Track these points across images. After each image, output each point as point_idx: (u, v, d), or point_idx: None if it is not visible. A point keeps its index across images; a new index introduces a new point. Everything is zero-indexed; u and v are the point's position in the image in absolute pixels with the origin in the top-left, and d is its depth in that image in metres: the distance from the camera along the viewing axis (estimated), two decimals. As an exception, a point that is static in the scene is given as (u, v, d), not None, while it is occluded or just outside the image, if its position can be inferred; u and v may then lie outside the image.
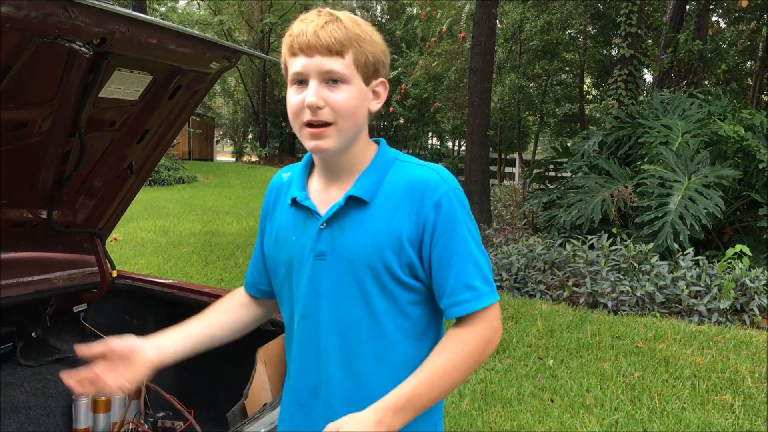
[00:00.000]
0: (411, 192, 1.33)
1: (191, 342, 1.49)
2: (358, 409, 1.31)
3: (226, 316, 1.59)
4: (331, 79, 1.28)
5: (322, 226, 1.36)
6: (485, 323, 1.34)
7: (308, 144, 1.32)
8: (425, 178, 1.35)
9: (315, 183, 1.44)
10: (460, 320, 1.35)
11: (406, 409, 1.26)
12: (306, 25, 1.28)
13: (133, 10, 1.98)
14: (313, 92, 1.27)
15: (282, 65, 1.36)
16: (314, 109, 1.28)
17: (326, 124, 1.29)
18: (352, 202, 1.35)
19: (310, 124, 1.30)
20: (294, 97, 1.31)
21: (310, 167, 1.48)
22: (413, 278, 1.35)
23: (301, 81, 1.30)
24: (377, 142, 1.44)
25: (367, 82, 1.33)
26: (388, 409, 1.24)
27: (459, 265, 1.33)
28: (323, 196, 1.40)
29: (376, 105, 1.38)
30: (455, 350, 1.31)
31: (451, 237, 1.33)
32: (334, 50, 1.27)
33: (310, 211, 1.39)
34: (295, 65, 1.29)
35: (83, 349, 1.36)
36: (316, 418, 1.40)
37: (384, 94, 1.39)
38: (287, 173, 1.52)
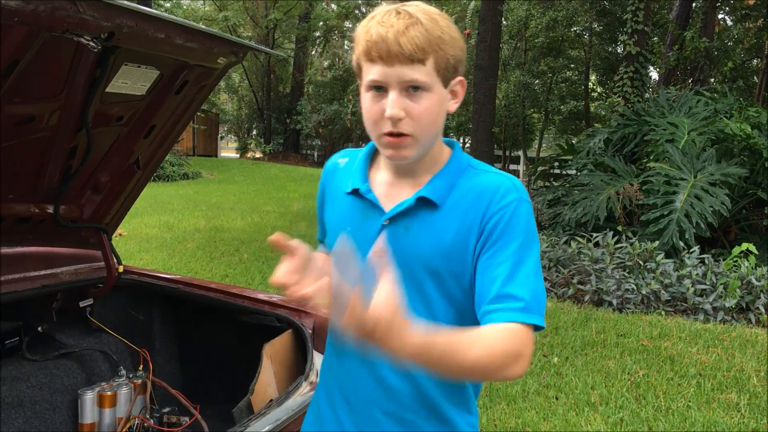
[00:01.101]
0: (480, 197, 1.27)
1: None
2: (411, 413, 1.28)
3: None
4: (412, 87, 1.22)
5: (385, 223, 1.31)
6: (522, 339, 1.18)
7: (386, 152, 1.28)
8: (497, 184, 1.29)
9: (380, 175, 1.38)
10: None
11: (418, 355, 1.07)
12: (385, 31, 1.20)
13: (138, 5, 1.97)
14: (394, 103, 1.22)
15: (354, 64, 1.30)
16: (395, 120, 1.23)
17: (407, 134, 1.24)
18: (422, 204, 1.30)
19: (389, 133, 1.24)
20: (372, 106, 1.25)
21: (373, 156, 1.42)
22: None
23: (379, 88, 1.24)
24: (450, 144, 1.39)
25: (446, 84, 1.27)
26: (411, 344, 1.05)
27: (512, 272, 1.22)
28: (389, 191, 1.35)
29: (454, 105, 1.32)
30: (490, 340, 1.16)
31: (507, 243, 1.24)
32: (416, 58, 1.20)
33: (372, 205, 1.34)
34: (372, 72, 1.23)
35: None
36: (363, 420, 1.34)
37: (462, 93, 1.32)
38: (344, 159, 1.47)
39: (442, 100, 1.27)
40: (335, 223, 1.40)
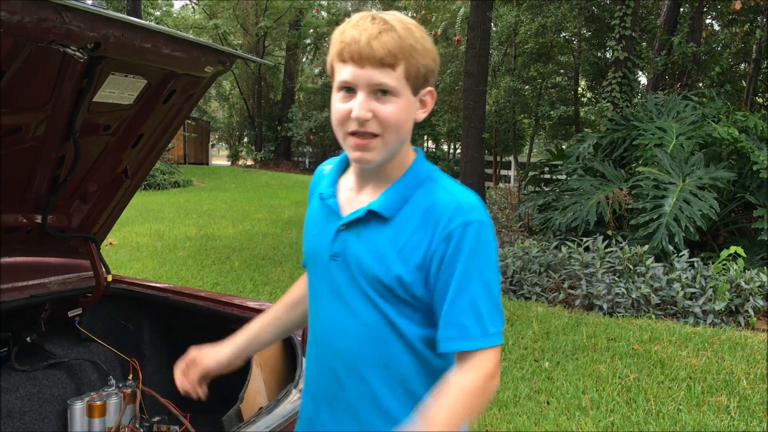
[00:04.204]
0: (429, 219, 1.30)
1: (270, 331, 1.65)
2: (362, 415, 1.34)
3: (300, 296, 1.62)
4: (380, 90, 1.25)
5: (341, 228, 1.36)
6: (476, 368, 1.27)
7: (352, 154, 1.31)
8: (444, 206, 1.30)
9: (347, 181, 1.43)
10: (455, 361, 1.32)
11: None
12: (359, 33, 1.24)
13: (127, 14, 1.99)
14: (361, 105, 1.25)
15: (328, 66, 1.33)
16: (362, 121, 1.25)
17: (372, 135, 1.27)
18: (372, 215, 1.33)
19: (355, 133, 1.28)
20: (340, 105, 1.28)
21: (347, 164, 1.46)
22: (416, 300, 1.32)
23: (349, 89, 1.27)
24: (415, 152, 1.41)
25: (416, 93, 1.30)
26: None
27: (453, 300, 1.28)
28: (351, 197, 1.40)
29: (423, 114, 1.35)
30: (452, 401, 1.26)
31: (453, 271, 1.27)
32: (387, 63, 1.23)
33: (332, 211, 1.40)
34: (343, 73, 1.26)
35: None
36: (326, 419, 1.41)
37: (431, 103, 1.36)
38: (329, 165, 1.52)
39: (410, 107, 1.30)
40: (308, 224, 1.48)
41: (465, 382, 1.26)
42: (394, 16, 1.28)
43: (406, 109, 1.29)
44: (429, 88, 1.34)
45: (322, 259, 1.39)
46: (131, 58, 2.01)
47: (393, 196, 1.34)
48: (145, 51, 1.97)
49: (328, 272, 1.38)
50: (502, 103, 16.66)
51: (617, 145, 8.97)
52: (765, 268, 6.53)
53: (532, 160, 18.32)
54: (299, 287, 1.64)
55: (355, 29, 1.25)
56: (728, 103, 10.47)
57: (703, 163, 7.55)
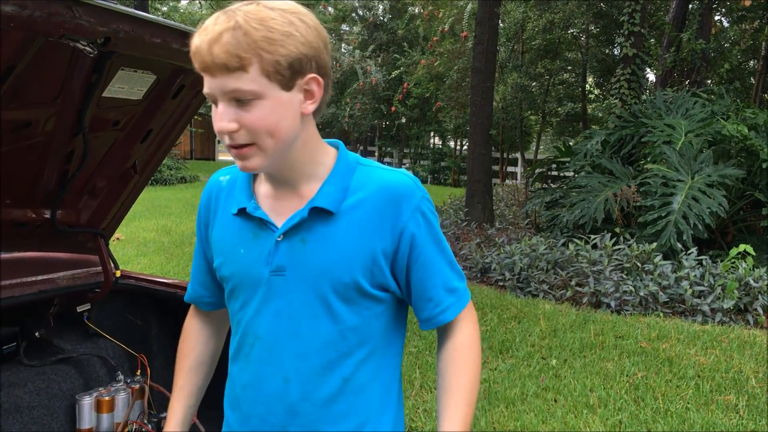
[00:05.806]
0: (385, 200, 1.23)
1: (192, 402, 1.55)
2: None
3: (200, 354, 1.54)
4: (237, 99, 1.12)
5: (279, 239, 1.24)
6: (469, 317, 1.36)
7: (237, 164, 1.20)
8: (399, 184, 1.25)
9: (264, 188, 1.30)
10: (447, 326, 1.35)
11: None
12: (200, 40, 1.11)
13: (134, 9, 1.97)
14: (221, 116, 1.13)
15: None
16: (227, 133, 1.14)
17: (246, 145, 1.15)
18: (316, 213, 1.22)
19: (231, 146, 1.16)
20: (213, 117, 1.16)
21: None
22: (383, 291, 1.27)
23: (215, 100, 1.15)
24: (335, 146, 1.31)
25: (288, 87, 1.15)
26: None
27: (441, 271, 1.30)
28: (276, 204, 1.27)
29: (311, 106, 1.20)
30: (468, 359, 1.33)
31: (431, 244, 1.28)
32: (233, 67, 1.09)
33: (262, 222, 1.26)
34: (204, 84, 1.14)
35: None
36: None
37: (319, 92, 1.20)
38: (226, 176, 1.38)
39: (282, 105, 1.15)
40: (226, 245, 1.32)
41: (470, 335, 1.34)
42: (248, 7, 1.12)
43: (275, 109, 1.14)
44: (310, 76, 1.17)
45: (258, 279, 1.25)
46: (141, 53, 2.00)
47: (332, 188, 1.23)
48: (155, 46, 1.96)
49: (268, 292, 1.24)
50: (509, 100, 16.60)
51: (625, 142, 8.93)
52: (774, 266, 6.50)
53: (540, 156, 18.29)
54: (191, 344, 1.53)
55: (200, 35, 1.12)
56: (737, 100, 10.39)
57: (712, 160, 7.51)
